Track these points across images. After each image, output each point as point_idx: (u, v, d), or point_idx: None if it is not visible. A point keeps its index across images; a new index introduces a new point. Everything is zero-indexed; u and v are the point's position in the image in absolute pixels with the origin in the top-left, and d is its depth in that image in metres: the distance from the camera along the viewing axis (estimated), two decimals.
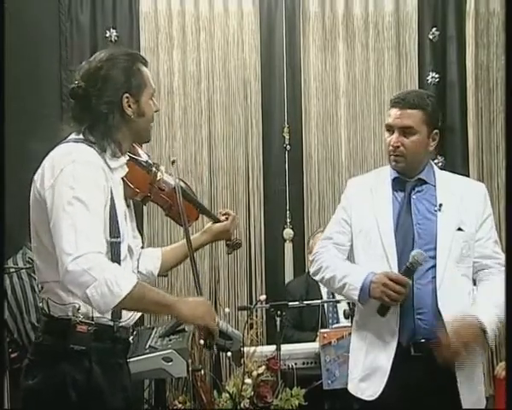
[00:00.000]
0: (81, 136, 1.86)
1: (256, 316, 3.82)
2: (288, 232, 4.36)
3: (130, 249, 1.93)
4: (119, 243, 1.83)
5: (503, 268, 2.22)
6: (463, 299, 2.24)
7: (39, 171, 1.83)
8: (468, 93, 4.44)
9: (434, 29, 4.48)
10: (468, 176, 3.93)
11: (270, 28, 4.38)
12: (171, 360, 2.64)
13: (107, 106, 1.86)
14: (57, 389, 1.77)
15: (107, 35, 4.19)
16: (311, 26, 4.38)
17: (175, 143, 4.25)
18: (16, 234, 3.27)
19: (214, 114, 4.30)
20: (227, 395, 3.28)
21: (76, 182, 1.74)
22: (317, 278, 2.43)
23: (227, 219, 2.30)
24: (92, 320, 1.81)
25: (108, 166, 1.86)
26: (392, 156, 2.28)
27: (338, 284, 2.29)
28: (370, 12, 4.42)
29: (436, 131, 2.29)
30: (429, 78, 4.47)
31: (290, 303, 3.54)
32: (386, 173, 2.36)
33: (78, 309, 1.79)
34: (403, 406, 2.20)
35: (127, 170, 1.95)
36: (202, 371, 3.30)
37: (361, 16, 4.41)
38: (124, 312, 1.87)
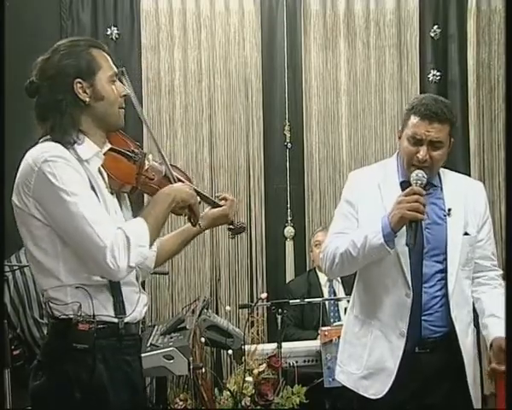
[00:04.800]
0: (48, 136, 1.81)
1: (257, 314, 3.82)
2: (289, 230, 4.36)
3: None
4: None
5: (499, 271, 2.30)
6: (468, 302, 2.26)
7: (15, 185, 1.79)
8: (469, 91, 4.44)
9: (436, 27, 4.48)
10: (469, 175, 3.92)
11: (271, 26, 4.38)
12: (173, 358, 2.64)
13: (60, 94, 1.80)
14: (62, 389, 1.77)
15: (108, 33, 4.19)
16: (312, 25, 4.38)
17: (176, 141, 4.25)
18: (16, 233, 3.27)
19: (215, 113, 4.30)
20: (228, 392, 3.29)
21: (55, 178, 1.72)
22: (333, 268, 2.23)
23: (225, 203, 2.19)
24: (94, 318, 1.79)
25: (80, 159, 1.80)
26: (416, 168, 2.18)
27: (358, 244, 2.14)
28: (371, 10, 4.42)
29: (453, 139, 2.25)
30: (430, 76, 4.46)
31: (291, 301, 3.55)
32: (392, 171, 2.29)
33: (80, 308, 1.78)
34: (405, 403, 2.20)
35: (102, 159, 1.86)
36: (203, 369, 3.30)
37: (362, 14, 4.41)
38: (128, 307, 1.85)
